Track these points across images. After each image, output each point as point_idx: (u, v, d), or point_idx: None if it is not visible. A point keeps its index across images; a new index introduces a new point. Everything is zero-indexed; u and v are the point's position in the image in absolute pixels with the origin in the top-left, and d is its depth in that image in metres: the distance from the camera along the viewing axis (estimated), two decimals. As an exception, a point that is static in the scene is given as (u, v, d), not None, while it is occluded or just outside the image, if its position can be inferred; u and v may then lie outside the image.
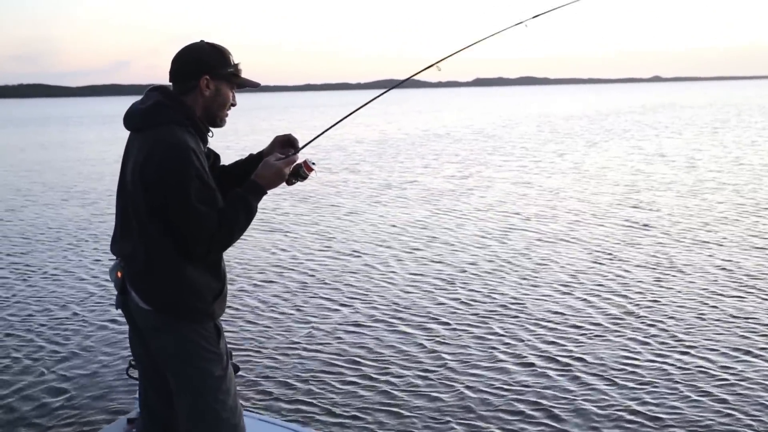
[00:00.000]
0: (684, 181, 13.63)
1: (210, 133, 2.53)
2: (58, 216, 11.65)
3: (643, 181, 13.79)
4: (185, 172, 2.28)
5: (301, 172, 2.57)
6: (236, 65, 2.49)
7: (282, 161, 2.51)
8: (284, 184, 2.57)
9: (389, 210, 11.44)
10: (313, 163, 2.61)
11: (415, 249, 8.60)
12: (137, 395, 3.52)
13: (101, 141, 29.70)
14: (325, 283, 7.21)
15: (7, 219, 11.51)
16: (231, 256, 8.20)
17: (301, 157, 2.60)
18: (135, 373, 3.93)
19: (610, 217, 10.25)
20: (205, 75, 2.42)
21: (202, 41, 2.50)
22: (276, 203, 11.67)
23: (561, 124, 34.42)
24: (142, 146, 2.36)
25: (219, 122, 2.53)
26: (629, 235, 9.04)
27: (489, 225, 9.97)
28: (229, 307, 6.22)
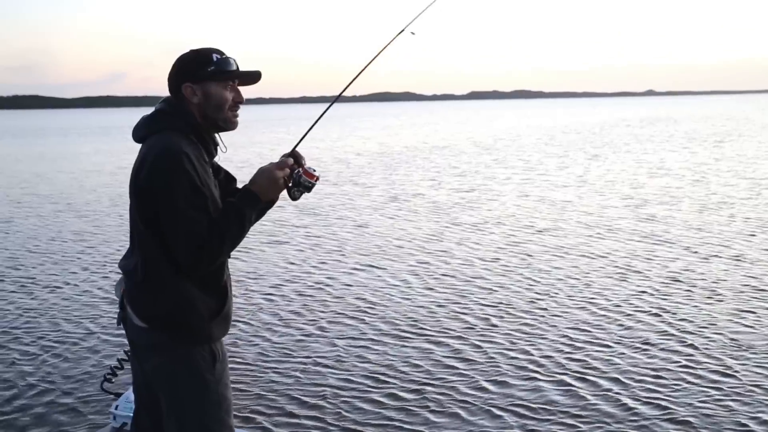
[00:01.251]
0: (693, 194, 13.50)
1: (222, 146, 2.46)
2: (52, 227, 11.47)
3: (652, 194, 13.66)
4: (174, 175, 2.19)
5: (302, 181, 2.42)
6: (221, 60, 2.36)
7: (273, 164, 2.40)
8: (288, 197, 2.45)
9: (397, 223, 11.27)
10: (314, 170, 2.45)
11: (425, 263, 8.43)
12: (113, 409, 3.62)
13: (98, 152, 29.47)
14: (337, 297, 7.02)
15: (4, 230, 11.33)
16: (241, 270, 8.00)
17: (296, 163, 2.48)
18: (110, 387, 4.06)
19: (622, 230, 10.09)
20: (185, 83, 2.34)
21: (189, 50, 2.41)
22: (284, 217, 11.46)
23: (561, 136, 34.42)
24: (139, 155, 2.32)
25: (223, 124, 2.40)
26: (645, 248, 8.87)
27: (499, 238, 9.80)
28: (240, 322, 6.01)
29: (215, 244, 2.23)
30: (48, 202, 14.55)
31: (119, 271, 2.50)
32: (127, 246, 2.51)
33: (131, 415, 3.50)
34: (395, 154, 25.60)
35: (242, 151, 26.22)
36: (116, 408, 3.67)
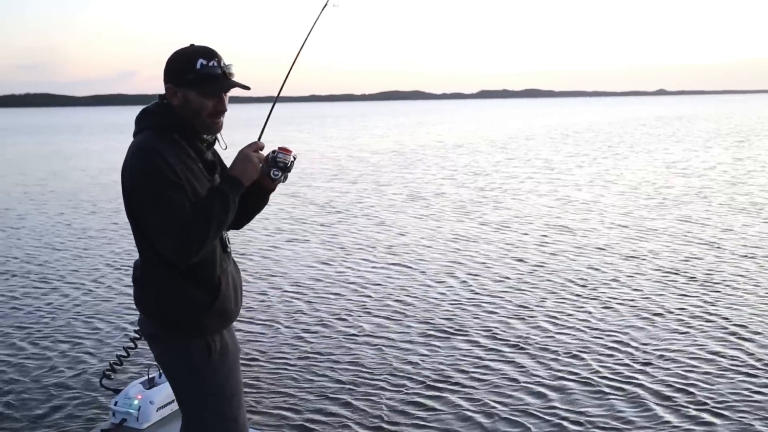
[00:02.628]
0: (725, 192, 13.24)
1: (222, 143, 2.44)
2: (60, 224, 11.38)
3: (680, 192, 13.41)
4: (146, 171, 2.18)
5: (278, 158, 2.38)
6: (203, 69, 2.27)
7: (246, 146, 2.36)
8: (268, 180, 2.39)
9: (423, 222, 11.08)
10: (287, 149, 2.41)
11: (456, 262, 8.23)
12: (112, 405, 3.67)
13: (112, 150, 29.49)
14: (366, 296, 6.86)
15: (16, 226, 11.25)
16: (261, 269, 7.79)
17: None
18: (109, 384, 4.09)
19: (656, 230, 9.85)
20: (168, 84, 2.31)
21: (188, 45, 2.35)
22: (305, 214, 11.25)
23: (577, 135, 34.07)
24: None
25: (201, 129, 2.35)
26: (685, 249, 8.63)
27: (527, 237, 9.60)
28: (261, 323, 5.86)
29: (201, 224, 2.19)
30: (66, 199, 14.48)
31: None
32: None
33: (129, 410, 3.57)
34: (411, 152, 25.44)
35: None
36: (115, 404, 3.66)
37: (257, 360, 5.22)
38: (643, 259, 8.12)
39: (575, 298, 6.68)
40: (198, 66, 2.26)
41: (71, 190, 16.14)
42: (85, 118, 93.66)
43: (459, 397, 4.54)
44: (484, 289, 7.07)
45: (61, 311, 6.63)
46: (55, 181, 17.98)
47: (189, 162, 2.29)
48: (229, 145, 2.52)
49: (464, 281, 7.37)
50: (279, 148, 2.40)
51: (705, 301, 6.46)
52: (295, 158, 2.42)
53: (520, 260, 8.24)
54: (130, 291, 8.25)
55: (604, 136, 33.22)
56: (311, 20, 2.78)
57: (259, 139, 2.50)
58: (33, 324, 6.24)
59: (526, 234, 9.82)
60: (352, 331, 5.89)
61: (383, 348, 5.47)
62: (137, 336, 3.80)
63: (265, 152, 2.40)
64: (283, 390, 4.69)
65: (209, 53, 2.30)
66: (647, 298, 6.62)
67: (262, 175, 2.37)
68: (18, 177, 19.23)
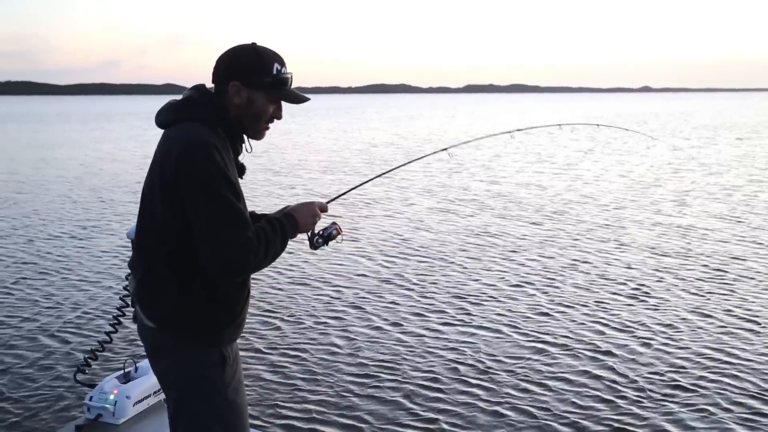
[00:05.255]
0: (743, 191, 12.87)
1: (247, 145, 2.32)
2: (33, 215, 11.08)
3: (702, 190, 12.97)
4: (207, 169, 2.03)
5: (332, 233, 2.47)
6: (279, 75, 2.22)
7: (317, 203, 2.39)
8: (309, 241, 2.45)
9: (449, 216, 10.69)
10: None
11: (497, 257, 7.95)
12: (87, 400, 3.58)
13: (106, 139, 29.05)
14: (403, 294, 6.61)
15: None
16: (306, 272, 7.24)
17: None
18: (83, 378, 4.05)
19: (680, 227, 9.49)
20: (234, 81, 2.19)
21: (252, 44, 2.26)
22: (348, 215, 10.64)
23: (579, 130, 33.55)
24: (162, 143, 2.17)
25: (252, 133, 2.29)
26: (733, 249, 8.18)
27: (553, 234, 9.26)
28: (295, 323, 5.83)
29: (261, 252, 2.09)
30: (46, 191, 14.09)
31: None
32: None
33: (105, 405, 3.50)
34: (415, 146, 24.72)
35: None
36: (90, 399, 3.56)
37: (260, 355, 5.06)
38: (689, 258, 7.77)
39: (615, 295, 6.40)
40: (274, 71, 2.22)
41: (59, 179, 15.70)
42: (69, 107, 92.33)
43: (462, 396, 4.42)
44: (534, 287, 6.85)
45: (31, 303, 6.42)
46: (48, 170, 17.54)
47: (230, 162, 2.18)
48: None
49: (463, 274, 7.17)
50: (333, 223, 2.50)
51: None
52: (341, 240, 2.53)
53: (558, 255, 8.02)
54: (105, 283, 7.51)
55: (608, 131, 32.76)
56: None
57: (328, 202, 2.51)
58: (4, 316, 6.04)
59: (548, 230, 9.56)
60: (356, 326, 5.72)
61: (390, 342, 5.30)
62: (113, 329, 3.74)
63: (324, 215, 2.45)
64: (288, 390, 4.53)
65: (281, 60, 2.26)
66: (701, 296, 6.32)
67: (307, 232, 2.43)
68: (10, 165, 18.70)
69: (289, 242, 2.21)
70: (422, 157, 3.10)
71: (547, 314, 5.90)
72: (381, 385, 4.56)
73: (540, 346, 5.19)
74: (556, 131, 31.50)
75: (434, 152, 3.20)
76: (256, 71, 2.20)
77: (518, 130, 4.08)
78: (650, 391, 4.42)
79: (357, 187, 2.89)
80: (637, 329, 5.50)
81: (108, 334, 3.78)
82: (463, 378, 4.64)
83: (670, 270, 7.22)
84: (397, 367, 4.84)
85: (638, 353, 5.01)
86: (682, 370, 4.72)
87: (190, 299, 2.16)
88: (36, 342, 5.44)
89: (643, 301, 6.22)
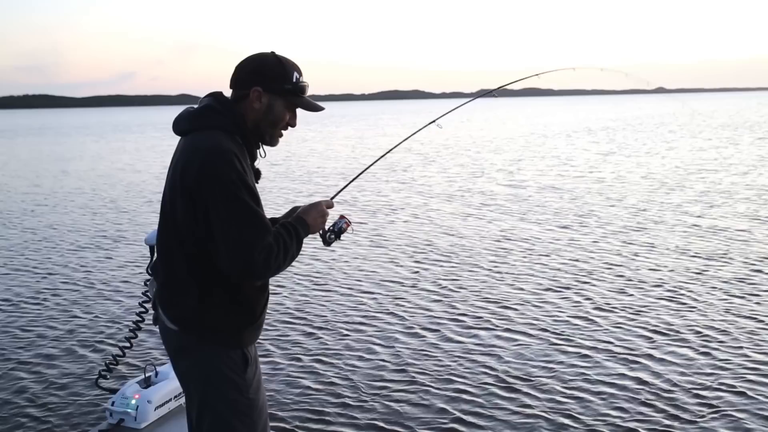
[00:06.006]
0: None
1: (262, 151, 2.38)
2: (65, 223, 11.16)
3: (727, 191, 12.77)
4: (228, 175, 2.11)
5: (342, 227, 2.55)
6: (298, 83, 2.31)
7: (323, 201, 2.47)
8: (322, 238, 2.52)
9: (472, 221, 10.57)
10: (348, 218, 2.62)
11: (526, 261, 7.88)
12: (108, 405, 3.64)
13: (124, 151, 29.28)
14: (447, 295, 6.59)
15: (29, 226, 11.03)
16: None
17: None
18: (105, 384, 4.08)
19: (721, 229, 9.29)
20: (256, 86, 2.26)
21: (271, 52, 2.33)
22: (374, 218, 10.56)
23: (604, 132, 33.25)
24: (183, 151, 2.23)
25: (269, 140, 2.36)
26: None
27: (581, 237, 9.19)
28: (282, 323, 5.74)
29: (281, 256, 2.17)
30: (69, 201, 14.19)
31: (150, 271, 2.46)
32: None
33: (127, 410, 3.54)
34: (433, 152, 24.54)
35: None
36: (112, 404, 3.62)
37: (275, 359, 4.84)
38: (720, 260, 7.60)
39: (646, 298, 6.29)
40: (294, 79, 2.29)
41: (79, 191, 15.81)
42: (87, 119, 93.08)
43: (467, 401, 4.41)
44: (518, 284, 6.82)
45: (54, 311, 6.49)
46: (70, 181, 17.69)
47: (248, 169, 2.26)
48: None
49: (485, 278, 7.12)
50: (341, 217, 2.56)
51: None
52: (352, 231, 2.62)
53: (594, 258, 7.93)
54: (125, 290, 7.45)
55: (630, 133, 32.46)
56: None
57: (332, 198, 2.61)
58: (28, 324, 6.11)
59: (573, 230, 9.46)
60: (366, 328, 5.72)
61: (399, 347, 5.28)
62: (133, 335, 3.77)
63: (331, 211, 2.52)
64: (304, 393, 4.54)
65: (299, 69, 2.34)
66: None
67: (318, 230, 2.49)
68: (33, 179, 18.83)
69: (305, 245, 2.29)
70: (414, 134, 3.28)
71: (584, 318, 5.79)
72: (403, 388, 4.53)
73: (577, 350, 5.09)
74: (573, 134, 31.23)
75: (424, 126, 3.41)
76: (278, 78, 2.27)
77: (499, 87, 3.92)
78: (698, 395, 4.29)
79: (357, 176, 3.04)
80: (678, 333, 5.35)
81: (128, 339, 3.81)
82: (494, 384, 4.56)
83: (705, 272, 7.08)
84: (420, 371, 4.79)
85: (680, 356, 4.90)
86: (724, 376, 4.55)
87: (211, 302, 2.21)
88: (59, 348, 5.49)
89: (681, 303, 6.08)
